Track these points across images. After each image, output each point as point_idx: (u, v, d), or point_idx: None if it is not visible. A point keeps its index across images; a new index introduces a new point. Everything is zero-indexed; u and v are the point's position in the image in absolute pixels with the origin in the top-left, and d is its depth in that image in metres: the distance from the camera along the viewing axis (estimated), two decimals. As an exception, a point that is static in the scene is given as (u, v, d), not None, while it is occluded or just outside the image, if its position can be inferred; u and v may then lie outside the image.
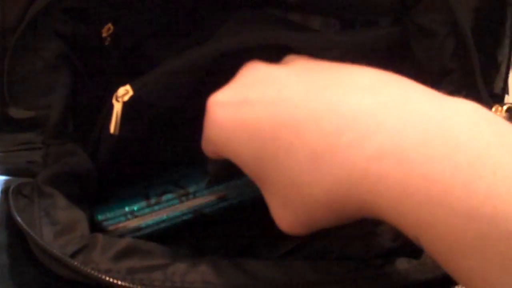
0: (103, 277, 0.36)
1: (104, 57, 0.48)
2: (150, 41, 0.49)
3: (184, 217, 0.42)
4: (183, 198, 0.42)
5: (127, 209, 0.42)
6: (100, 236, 0.39)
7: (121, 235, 0.42)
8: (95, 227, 0.42)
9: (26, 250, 0.39)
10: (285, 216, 0.34)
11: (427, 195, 0.27)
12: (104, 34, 0.47)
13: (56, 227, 0.39)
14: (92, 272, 0.36)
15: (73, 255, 0.37)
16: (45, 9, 0.42)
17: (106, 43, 0.47)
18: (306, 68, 0.37)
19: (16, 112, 0.44)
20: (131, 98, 0.43)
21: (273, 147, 0.33)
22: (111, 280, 0.36)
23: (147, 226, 0.42)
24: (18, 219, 0.38)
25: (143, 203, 0.42)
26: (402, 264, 0.39)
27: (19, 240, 0.39)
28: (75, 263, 0.37)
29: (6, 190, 0.41)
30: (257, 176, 0.35)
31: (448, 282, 0.39)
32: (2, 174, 0.43)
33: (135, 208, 0.42)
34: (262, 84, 0.36)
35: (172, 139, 0.48)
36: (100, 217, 0.43)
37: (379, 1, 0.44)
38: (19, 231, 0.39)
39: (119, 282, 0.36)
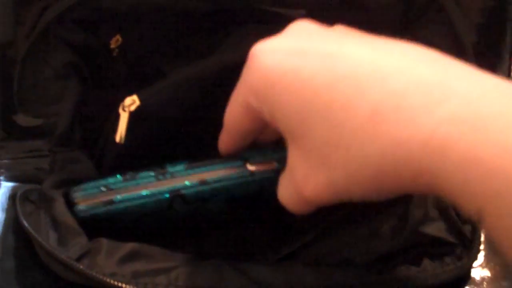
0: (108, 280, 0.37)
1: (112, 68, 0.48)
2: (157, 53, 0.49)
3: (161, 196, 0.40)
4: (160, 177, 0.40)
5: (101, 182, 0.41)
6: (104, 241, 0.40)
7: (92, 208, 0.40)
8: (66, 201, 0.42)
9: (32, 254, 0.39)
10: (316, 177, 0.32)
11: (501, 163, 0.25)
12: (112, 45, 0.47)
13: (62, 231, 0.39)
14: (97, 275, 0.37)
15: (78, 259, 0.38)
16: (56, 19, 0.43)
17: (114, 54, 0.48)
18: (362, 35, 0.35)
19: (24, 120, 0.45)
20: (138, 108, 0.44)
21: (326, 99, 0.30)
22: (116, 283, 0.37)
23: (121, 201, 0.40)
24: (25, 223, 0.39)
25: (118, 178, 0.41)
26: (402, 270, 0.39)
27: (26, 244, 0.40)
28: (81, 266, 0.37)
29: (13, 196, 0.42)
30: (294, 130, 0.33)
31: (447, 288, 0.40)
32: (10, 180, 0.44)
33: (110, 181, 0.41)
34: (318, 37, 0.34)
35: (177, 150, 0.49)
36: (73, 189, 0.41)
37: (380, 16, 0.45)
38: (26, 236, 0.39)
39: (124, 286, 0.37)
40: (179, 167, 0.40)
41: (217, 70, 0.43)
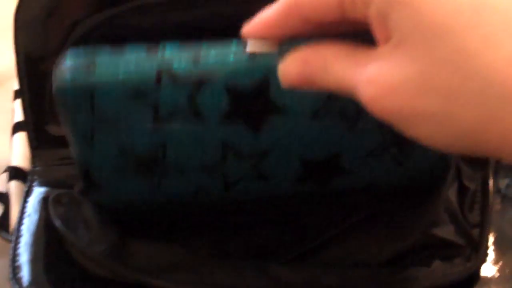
0: (137, 276, 0.39)
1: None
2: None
3: (148, 69, 0.35)
4: (151, 51, 0.36)
5: (89, 55, 0.37)
6: (131, 240, 0.42)
7: (73, 75, 0.36)
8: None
9: (64, 252, 0.41)
10: (402, 87, 0.27)
11: None
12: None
13: (92, 232, 0.42)
14: (128, 271, 0.39)
15: (109, 255, 0.40)
16: (85, 35, 0.46)
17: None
18: None
19: (55, 130, 0.47)
20: None
21: (466, 23, 0.26)
22: (144, 279, 0.39)
23: (101, 75, 0.36)
24: (57, 223, 0.41)
25: (105, 50, 0.37)
26: (413, 271, 0.41)
27: (58, 243, 0.42)
28: (112, 263, 0.39)
29: (45, 198, 0.44)
30: (409, 39, 0.27)
31: (456, 288, 0.41)
32: (42, 186, 0.47)
33: (97, 53, 0.37)
34: None
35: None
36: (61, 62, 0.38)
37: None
38: (58, 235, 0.41)
39: (153, 281, 0.39)
40: (174, 45, 0.36)
41: None
